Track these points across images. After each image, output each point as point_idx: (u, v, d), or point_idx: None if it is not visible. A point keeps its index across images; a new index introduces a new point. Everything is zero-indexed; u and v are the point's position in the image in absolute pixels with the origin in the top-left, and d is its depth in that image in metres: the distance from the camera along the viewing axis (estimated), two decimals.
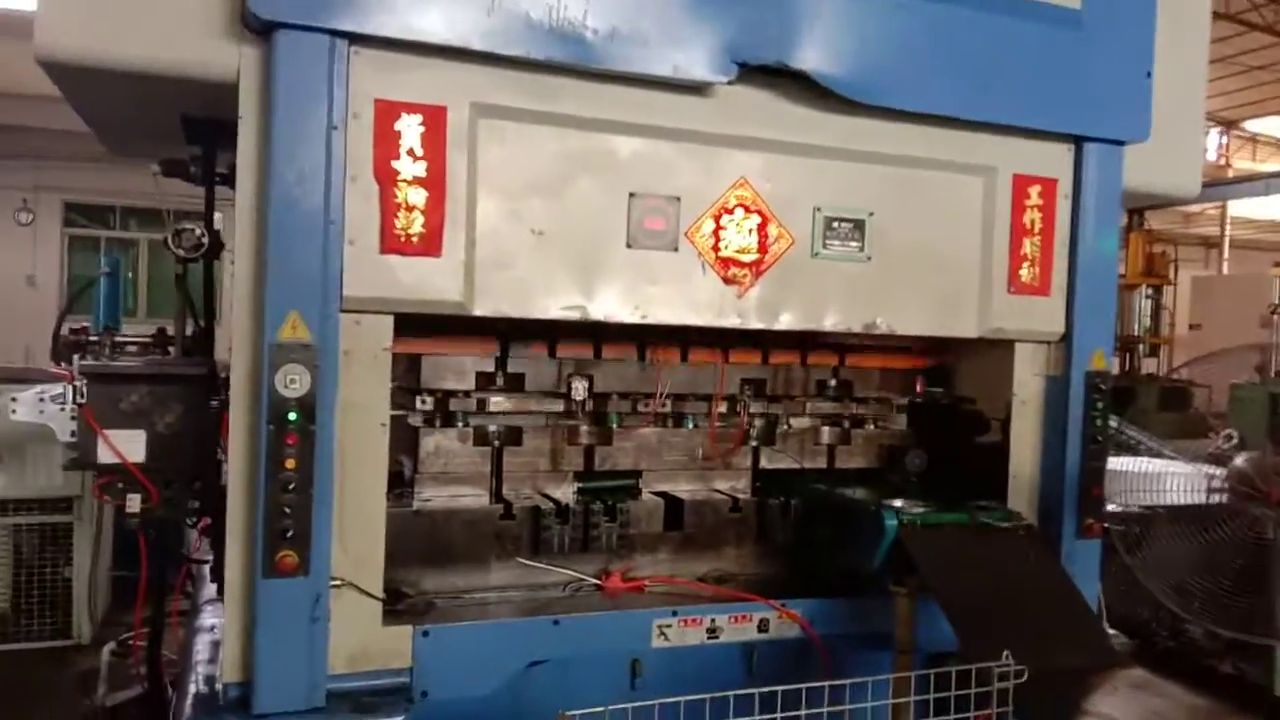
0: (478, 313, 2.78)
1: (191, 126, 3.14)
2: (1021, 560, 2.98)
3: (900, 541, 2.97)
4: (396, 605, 2.95)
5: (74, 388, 2.88)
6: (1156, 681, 2.62)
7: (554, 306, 2.87)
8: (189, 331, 3.37)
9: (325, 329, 2.59)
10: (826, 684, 2.46)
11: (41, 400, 2.92)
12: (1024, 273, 3.36)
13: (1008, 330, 3.38)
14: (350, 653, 2.73)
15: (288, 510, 2.56)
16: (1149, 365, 10.39)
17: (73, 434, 2.90)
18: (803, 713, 2.38)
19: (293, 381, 2.56)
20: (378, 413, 2.74)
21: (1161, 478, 3.12)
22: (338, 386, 2.63)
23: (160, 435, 2.96)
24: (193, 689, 2.79)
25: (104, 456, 2.91)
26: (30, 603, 4.70)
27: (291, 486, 2.56)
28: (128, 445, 2.93)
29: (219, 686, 2.69)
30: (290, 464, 2.56)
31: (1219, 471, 2.87)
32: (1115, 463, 3.35)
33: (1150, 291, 10.25)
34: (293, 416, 2.55)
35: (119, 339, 3.19)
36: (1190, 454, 3.31)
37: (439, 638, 2.83)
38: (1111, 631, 3.27)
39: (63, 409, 2.92)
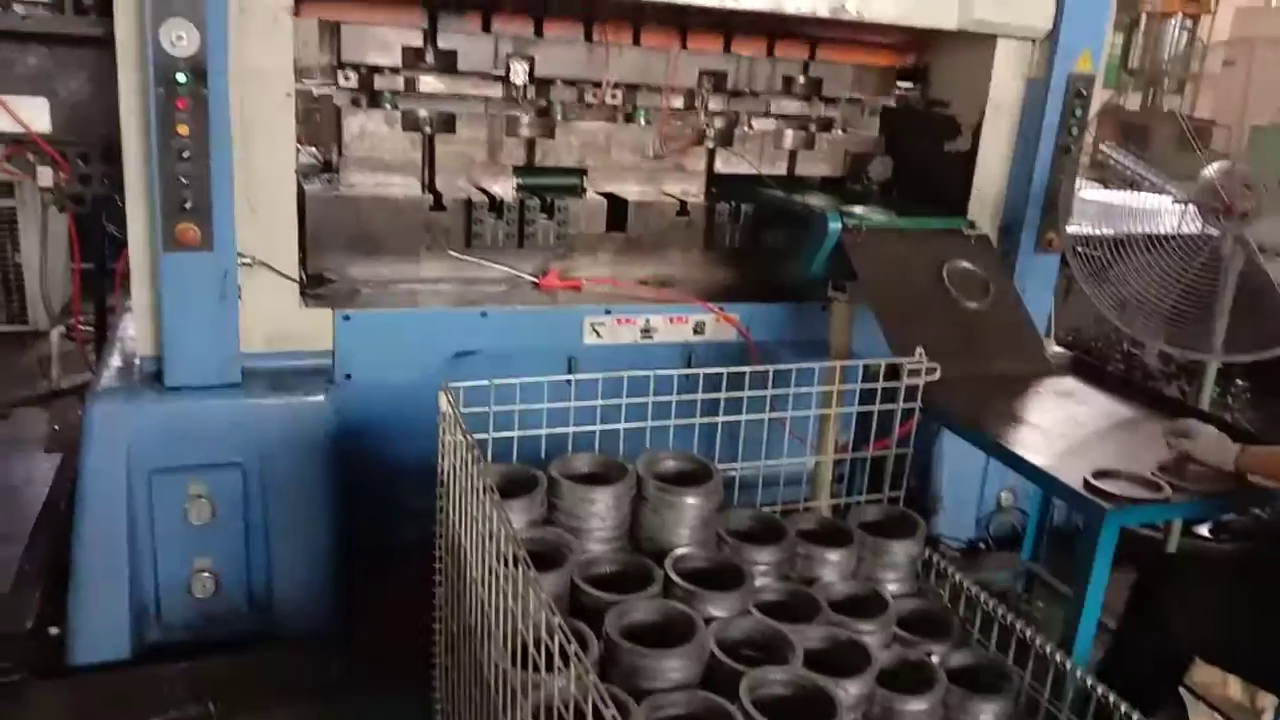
0: None
1: None
2: (968, 270, 2.85)
3: (842, 245, 2.84)
4: (318, 289, 2.87)
5: None
6: (1089, 393, 2.58)
7: None
8: None
9: None
10: (768, 393, 2.36)
11: None
12: None
13: (991, 21, 3.06)
14: (267, 333, 2.69)
15: (184, 180, 2.42)
16: (1172, 103, 9.83)
17: None
18: (743, 418, 2.27)
19: (179, 39, 2.33)
20: (281, 80, 2.53)
21: (1146, 209, 2.90)
22: (230, 48, 2.40)
23: (66, 104, 2.76)
24: (114, 362, 2.77)
25: (6, 126, 2.73)
26: None
27: (186, 155, 2.40)
28: (30, 113, 2.74)
29: (136, 361, 2.67)
30: (183, 130, 2.39)
31: (1189, 190, 2.67)
32: (1104, 194, 3.15)
33: (1187, 23, 9.46)
34: (181, 78, 2.35)
35: None
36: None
37: (361, 323, 2.78)
38: (1056, 348, 3.20)
39: None
